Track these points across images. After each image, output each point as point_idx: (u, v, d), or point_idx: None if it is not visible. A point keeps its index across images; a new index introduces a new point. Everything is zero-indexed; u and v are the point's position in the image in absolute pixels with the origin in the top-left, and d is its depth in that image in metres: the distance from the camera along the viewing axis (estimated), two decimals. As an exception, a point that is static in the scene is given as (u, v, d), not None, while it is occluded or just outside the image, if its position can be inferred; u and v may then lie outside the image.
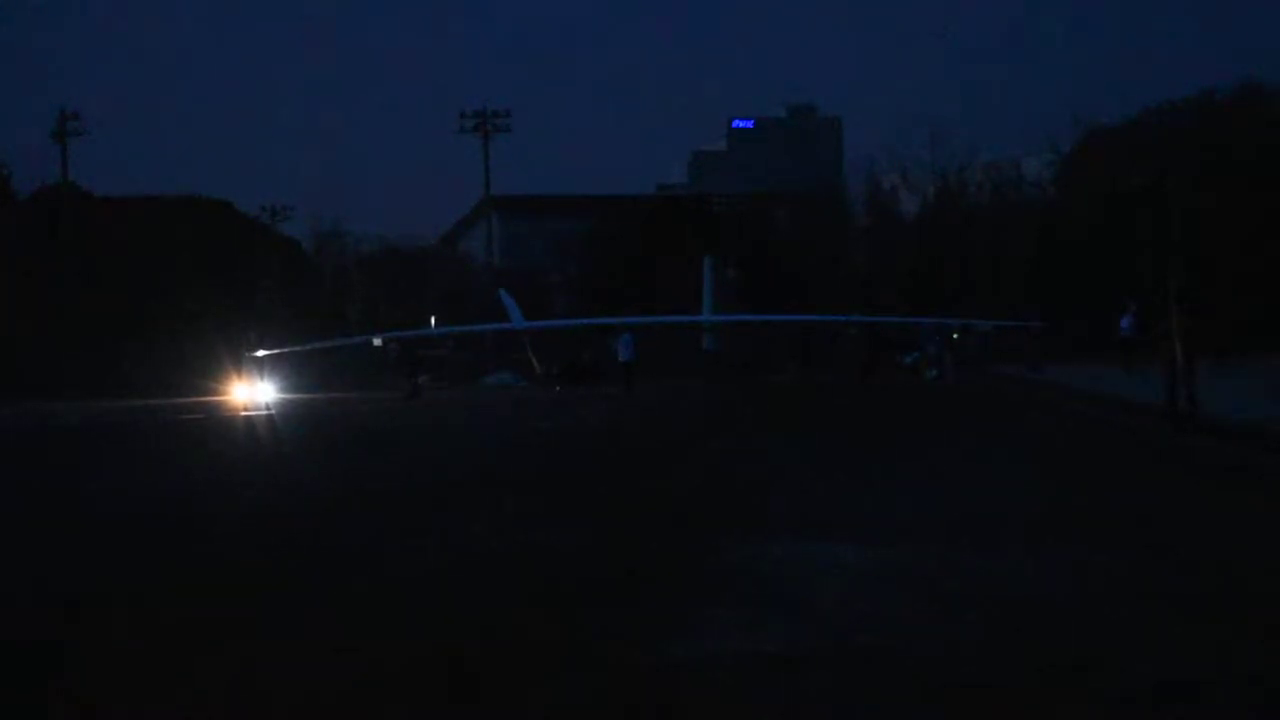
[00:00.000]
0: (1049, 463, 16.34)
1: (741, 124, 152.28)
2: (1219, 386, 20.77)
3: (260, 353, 51.03)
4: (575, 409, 34.17)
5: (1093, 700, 5.84)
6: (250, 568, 10.00)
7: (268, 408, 39.16)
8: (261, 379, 47.89)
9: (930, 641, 6.91)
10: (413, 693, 6.27)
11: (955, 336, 53.08)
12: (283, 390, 48.65)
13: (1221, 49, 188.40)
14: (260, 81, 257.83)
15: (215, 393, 49.46)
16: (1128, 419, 22.48)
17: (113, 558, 10.83)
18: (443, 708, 6.07)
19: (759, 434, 24.02)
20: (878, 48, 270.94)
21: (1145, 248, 54.33)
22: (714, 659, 6.62)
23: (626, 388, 44.19)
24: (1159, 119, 65.44)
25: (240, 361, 49.26)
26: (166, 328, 62.27)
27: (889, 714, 5.82)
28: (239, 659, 7.00)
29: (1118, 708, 5.77)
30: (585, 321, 57.42)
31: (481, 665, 6.71)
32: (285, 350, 53.66)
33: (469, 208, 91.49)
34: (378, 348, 55.16)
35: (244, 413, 36.85)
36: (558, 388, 48.80)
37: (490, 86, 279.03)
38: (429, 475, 17.55)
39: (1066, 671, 6.29)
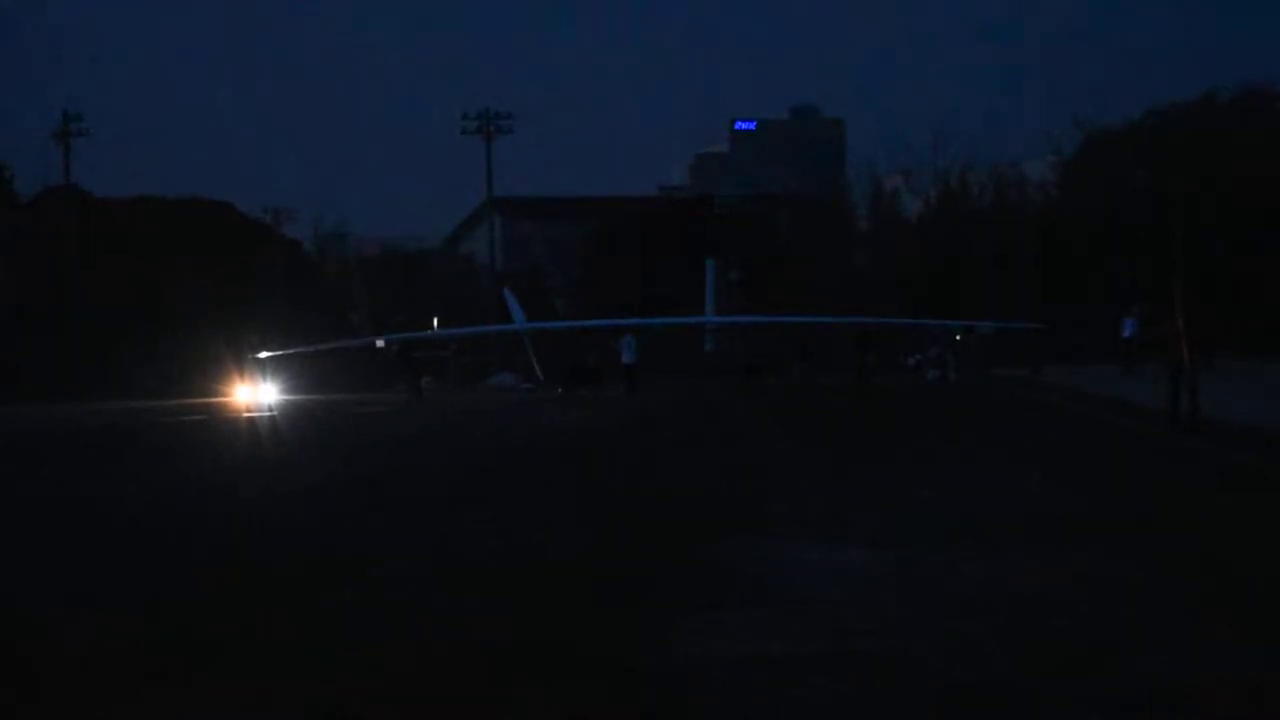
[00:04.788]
0: (1050, 465, 16.33)
1: (744, 126, 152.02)
2: (1220, 390, 20.75)
3: (262, 354, 51.00)
4: (577, 411, 34.16)
5: (1093, 701, 5.85)
6: (249, 569, 10.01)
7: (270, 409, 39.15)
8: (264, 380, 47.85)
9: (931, 643, 6.92)
10: (415, 692, 6.28)
11: (957, 338, 52.95)
12: (285, 392, 48.62)
13: (1222, 51, 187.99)
14: (262, 83, 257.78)
15: (218, 394, 49.46)
16: (1130, 421, 22.46)
17: (114, 563, 10.84)
18: (446, 707, 6.08)
19: (761, 436, 24.02)
20: (880, 49, 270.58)
21: (1147, 250, 54.35)
22: (716, 661, 6.63)
23: (629, 389, 44.15)
24: (1161, 121, 65.38)
25: (243, 363, 49.23)
26: (169, 329, 62.25)
27: (889, 715, 5.83)
28: (240, 658, 7.02)
29: (1118, 708, 5.78)
30: (587, 323, 57.36)
31: (484, 665, 6.72)
32: (287, 352, 53.61)
33: (471, 209, 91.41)
34: (380, 349, 55.06)
35: (246, 414, 36.85)
36: (560, 389, 48.76)
37: (492, 88, 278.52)
38: (430, 477, 17.55)
39: (1067, 672, 6.29)
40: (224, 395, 48.46)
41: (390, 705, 6.13)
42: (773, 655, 6.72)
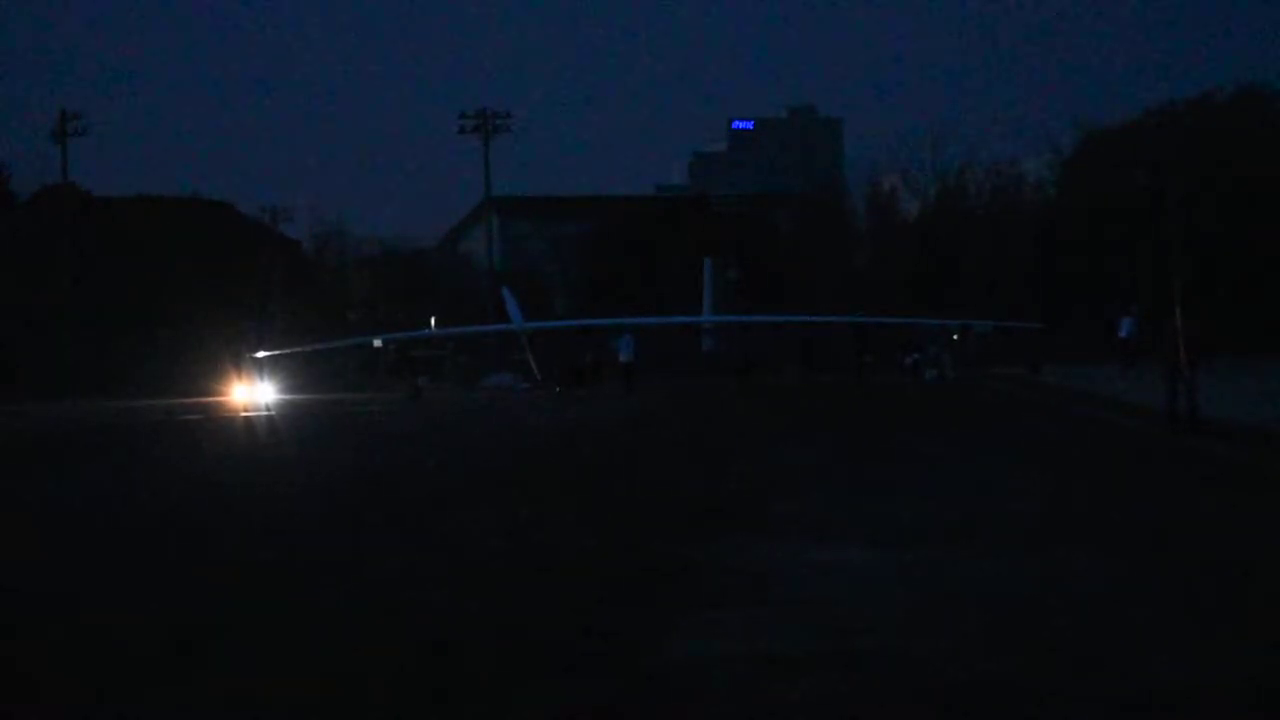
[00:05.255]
0: (1050, 464, 16.34)
1: (742, 125, 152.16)
2: (1219, 389, 20.76)
3: (260, 353, 50.97)
4: (576, 410, 34.16)
5: (1093, 701, 5.85)
6: (250, 569, 10.00)
7: (267, 408, 39.13)
8: (261, 380, 47.81)
9: (931, 642, 6.92)
10: (417, 692, 6.28)
11: (955, 338, 52.98)
12: (282, 391, 48.60)
13: (1221, 51, 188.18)
14: (261, 82, 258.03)
15: (215, 393, 49.45)
16: (1129, 421, 22.47)
17: (111, 563, 10.83)
18: (448, 707, 6.07)
19: (759, 435, 24.02)
20: (878, 49, 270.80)
21: (1146, 250, 54.38)
22: (716, 661, 6.63)
23: (627, 389, 44.17)
24: (1159, 121, 65.38)
25: (240, 362, 49.18)
26: (167, 328, 62.26)
27: (889, 715, 5.82)
28: (239, 658, 7.01)
29: (1118, 708, 5.77)
30: (586, 322, 57.31)
31: (485, 665, 6.72)
32: (285, 351, 53.61)
33: (469, 209, 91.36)
34: (378, 349, 55.03)
35: (244, 413, 36.84)
36: (558, 389, 48.75)
37: (490, 87, 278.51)
38: (428, 476, 17.54)
39: (1067, 672, 6.29)
40: (222, 394, 48.44)
41: (389, 705, 6.13)
42: (773, 655, 6.71)
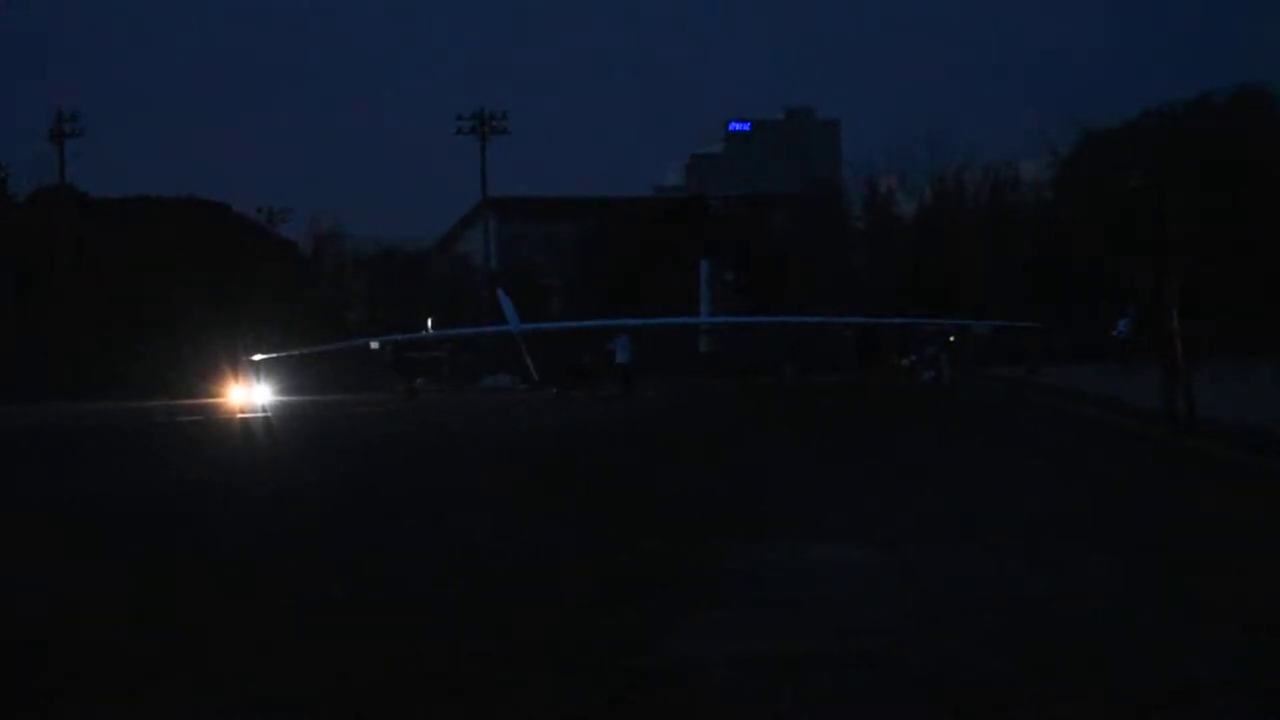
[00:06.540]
0: (1048, 464, 16.33)
1: (739, 126, 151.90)
2: (1215, 388, 20.76)
3: (257, 355, 50.97)
4: (573, 411, 34.15)
5: (1093, 701, 5.83)
6: (249, 569, 9.98)
7: (264, 410, 39.12)
8: (258, 381, 47.83)
9: (931, 643, 6.90)
10: (412, 693, 6.26)
11: (952, 339, 53.05)
12: (279, 393, 48.61)
13: (1220, 52, 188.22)
14: (259, 83, 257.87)
15: (212, 395, 49.48)
16: (1127, 421, 22.47)
17: (107, 563, 10.81)
18: (444, 706, 6.05)
19: (756, 436, 24.02)
20: (876, 50, 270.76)
21: (1143, 250, 54.41)
22: (716, 661, 6.60)
23: (624, 390, 44.20)
24: (1157, 122, 65.44)
25: (237, 364, 49.20)
26: (164, 330, 62.24)
27: (888, 715, 5.80)
28: (242, 659, 6.99)
29: (1118, 709, 5.76)
30: (583, 324, 57.32)
31: (482, 664, 6.70)
32: (282, 353, 53.61)
33: (466, 210, 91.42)
34: (375, 350, 55.07)
35: (241, 415, 36.82)
36: (555, 390, 48.75)
37: (488, 87, 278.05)
38: (425, 477, 17.53)
39: (1066, 672, 6.28)
40: (219, 396, 48.45)
41: (387, 706, 6.10)
42: (772, 655, 6.69)
